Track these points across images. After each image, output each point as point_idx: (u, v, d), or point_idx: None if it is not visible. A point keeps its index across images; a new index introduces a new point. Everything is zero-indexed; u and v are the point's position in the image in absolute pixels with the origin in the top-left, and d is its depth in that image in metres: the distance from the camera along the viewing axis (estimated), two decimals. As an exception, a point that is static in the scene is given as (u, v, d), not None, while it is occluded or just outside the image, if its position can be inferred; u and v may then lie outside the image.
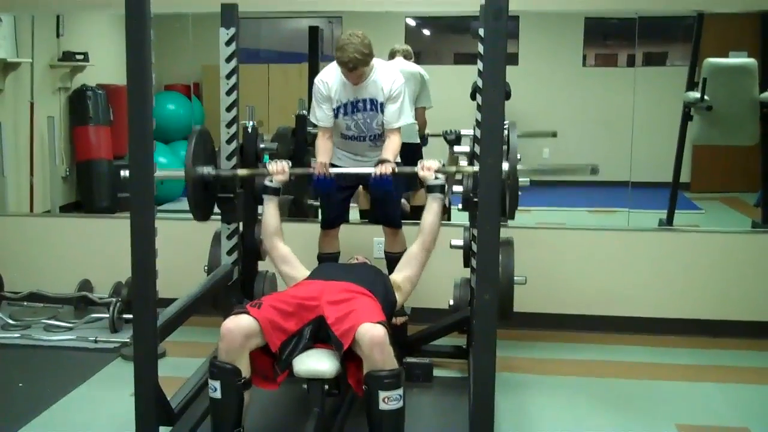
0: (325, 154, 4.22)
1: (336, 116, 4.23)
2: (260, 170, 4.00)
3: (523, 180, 3.88)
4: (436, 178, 3.77)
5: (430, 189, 3.79)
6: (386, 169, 3.93)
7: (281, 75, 8.17)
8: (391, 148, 4.15)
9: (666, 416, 3.87)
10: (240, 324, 3.10)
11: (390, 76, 4.17)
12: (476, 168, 3.76)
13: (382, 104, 4.17)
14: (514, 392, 4.10)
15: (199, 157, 3.75)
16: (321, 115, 4.23)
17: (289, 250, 3.87)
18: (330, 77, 4.18)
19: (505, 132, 3.74)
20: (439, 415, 3.82)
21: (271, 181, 3.87)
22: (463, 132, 4.25)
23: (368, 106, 4.18)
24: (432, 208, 3.79)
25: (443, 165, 3.78)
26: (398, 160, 4.21)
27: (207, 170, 3.82)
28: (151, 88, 2.95)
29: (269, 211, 3.88)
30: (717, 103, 5.66)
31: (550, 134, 4.05)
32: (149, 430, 3.08)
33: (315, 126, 4.34)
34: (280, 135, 5.38)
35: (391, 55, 5.66)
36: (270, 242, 3.88)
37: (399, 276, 3.81)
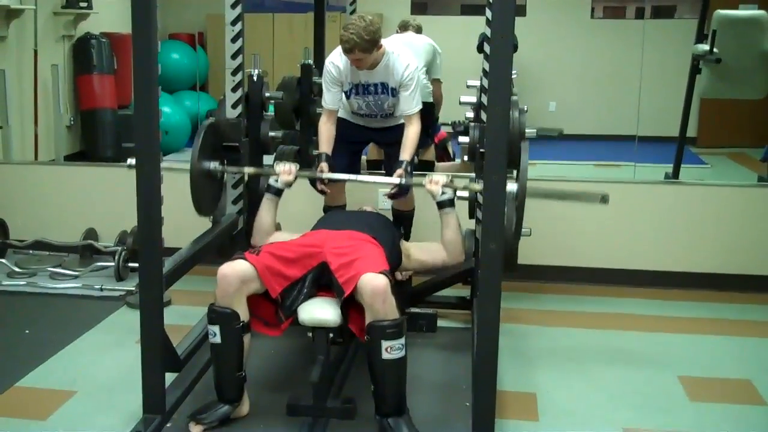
0: (326, 144, 4.15)
1: (348, 96, 4.19)
2: (268, 170, 3.92)
3: (529, 131, 3.86)
4: (443, 193, 3.67)
5: (440, 205, 3.68)
6: (394, 190, 3.96)
7: (286, 24, 8.12)
8: (409, 144, 4.07)
9: (669, 368, 3.89)
10: (236, 269, 3.11)
11: (403, 61, 4.09)
12: (480, 187, 3.73)
13: (393, 89, 4.11)
14: (517, 343, 4.12)
15: (206, 153, 3.72)
16: (329, 98, 4.17)
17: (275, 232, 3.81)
18: (339, 60, 4.13)
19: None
20: (443, 365, 3.84)
21: (276, 181, 3.78)
22: (469, 83, 4.21)
23: (379, 90, 4.13)
24: (449, 224, 3.70)
25: (450, 180, 3.70)
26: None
27: (214, 165, 3.78)
28: (156, 35, 2.92)
29: (266, 209, 3.79)
30: (726, 55, 5.61)
31: (557, 133, 4.00)
32: (156, 376, 3.11)
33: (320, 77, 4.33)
34: (285, 84, 5.33)
35: (403, 27, 5.81)
36: (260, 241, 3.77)
37: (415, 250, 3.81)
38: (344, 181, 4.19)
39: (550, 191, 3.76)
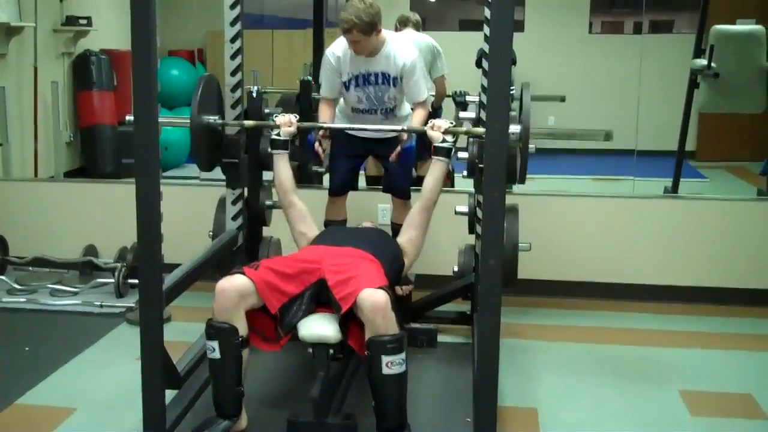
0: (327, 119, 4.24)
1: (347, 88, 4.21)
2: (267, 122, 3.96)
3: (529, 147, 3.87)
4: (444, 140, 3.73)
5: (436, 151, 3.73)
6: (402, 137, 4.05)
7: (285, 41, 8.16)
8: (417, 119, 4.16)
9: (669, 382, 3.88)
10: (234, 283, 3.11)
11: (403, 50, 4.12)
12: (481, 130, 3.74)
13: (394, 78, 4.14)
14: (518, 358, 4.11)
15: (205, 106, 3.75)
16: (327, 86, 4.22)
17: (305, 207, 3.85)
18: (339, 49, 4.15)
19: (518, 92, 3.74)
20: (443, 380, 3.83)
21: (279, 134, 3.82)
22: (468, 98, 4.23)
23: (380, 80, 4.15)
24: (434, 172, 3.75)
25: (452, 124, 3.72)
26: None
27: (213, 119, 3.81)
28: (156, 52, 2.92)
29: (281, 166, 3.83)
30: (724, 70, 5.63)
31: (559, 98, 4.01)
32: (156, 394, 3.10)
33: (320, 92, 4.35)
34: (284, 100, 5.37)
35: (402, 23, 5.63)
36: (287, 199, 3.83)
37: (403, 239, 3.81)
38: (342, 129, 4.24)
39: (553, 130, 3.81)
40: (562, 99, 3.96)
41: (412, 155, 4.39)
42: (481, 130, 3.75)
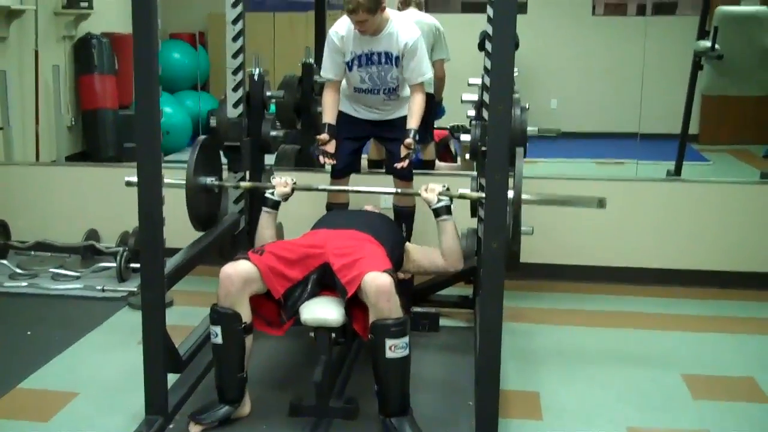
0: (331, 112, 4.20)
1: (350, 68, 4.18)
2: (265, 184, 3.88)
3: (531, 129, 3.85)
4: (440, 200, 3.61)
5: (436, 212, 3.62)
6: (405, 163, 4.03)
7: (287, 23, 8.12)
8: (416, 112, 4.10)
9: (672, 366, 3.88)
10: (238, 269, 3.10)
11: (406, 29, 4.09)
12: (482, 195, 3.71)
13: (397, 58, 4.11)
14: (520, 342, 4.12)
15: (201, 169, 3.68)
16: (331, 67, 4.19)
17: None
18: (343, 28, 4.13)
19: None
20: (446, 364, 3.83)
21: (273, 193, 3.69)
22: (471, 81, 4.20)
23: (383, 59, 4.13)
24: (446, 231, 3.64)
25: (446, 188, 3.64)
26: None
27: (210, 180, 3.74)
28: (157, 35, 2.91)
29: (265, 224, 3.70)
30: (728, 52, 5.60)
31: (555, 133, 4.01)
32: (158, 378, 3.11)
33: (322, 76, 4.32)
34: (286, 83, 5.33)
35: (404, 2, 5.59)
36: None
37: (414, 252, 3.79)
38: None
39: (547, 197, 3.75)
40: (558, 133, 3.96)
41: (412, 166, 4.32)
42: (474, 194, 3.71)
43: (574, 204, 3.80)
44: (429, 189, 3.63)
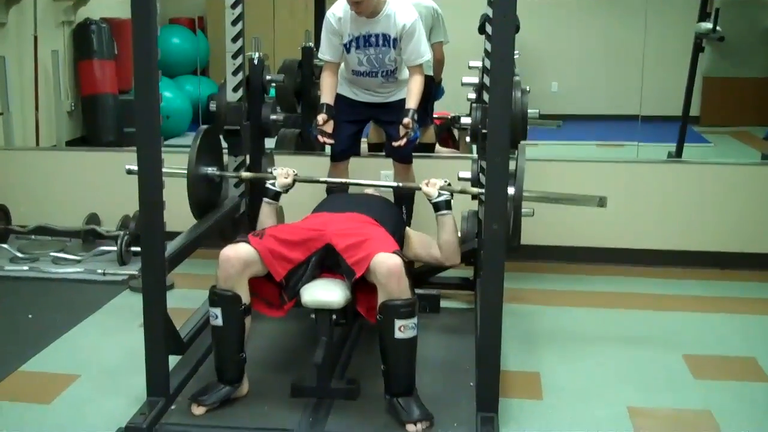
0: (329, 93, 4.20)
1: (348, 50, 4.18)
2: (266, 174, 3.86)
3: (532, 111, 3.85)
4: (440, 195, 3.60)
5: (436, 207, 3.61)
6: (403, 141, 4.02)
7: (287, 7, 8.09)
8: (415, 92, 4.09)
9: (673, 347, 3.89)
10: (238, 252, 3.10)
11: (404, 11, 4.08)
12: (476, 191, 3.74)
13: (394, 40, 4.10)
14: (520, 323, 4.12)
15: (203, 158, 3.68)
16: (329, 50, 4.18)
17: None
18: (340, 10, 4.12)
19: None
20: (447, 345, 3.83)
21: (274, 184, 3.70)
22: (471, 63, 4.19)
23: (380, 41, 4.12)
24: (445, 226, 3.63)
25: (447, 183, 3.63)
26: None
27: (211, 170, 3.75)
28: (156, 20, 2.91)
29: (266, 215, 3.70)
30: (730, 34, 5.59)
31: (555, 125, 3.99)
32: (159, 359, 3.11)
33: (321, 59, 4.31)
34: (286, 67, 5.33)
35: None
36: None
37: (413, 240, 3.78)
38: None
39: (548, 195, 3.74)
40: (559, 126, 3.95)
41: (412, 143, 4.32)
42: (475, 189, 3.71)
43: (574, 203, 3.81)
44: (430, 183, 3.62)
